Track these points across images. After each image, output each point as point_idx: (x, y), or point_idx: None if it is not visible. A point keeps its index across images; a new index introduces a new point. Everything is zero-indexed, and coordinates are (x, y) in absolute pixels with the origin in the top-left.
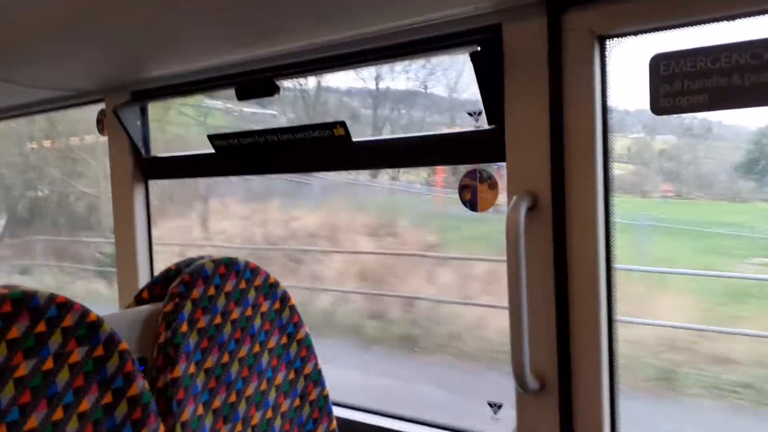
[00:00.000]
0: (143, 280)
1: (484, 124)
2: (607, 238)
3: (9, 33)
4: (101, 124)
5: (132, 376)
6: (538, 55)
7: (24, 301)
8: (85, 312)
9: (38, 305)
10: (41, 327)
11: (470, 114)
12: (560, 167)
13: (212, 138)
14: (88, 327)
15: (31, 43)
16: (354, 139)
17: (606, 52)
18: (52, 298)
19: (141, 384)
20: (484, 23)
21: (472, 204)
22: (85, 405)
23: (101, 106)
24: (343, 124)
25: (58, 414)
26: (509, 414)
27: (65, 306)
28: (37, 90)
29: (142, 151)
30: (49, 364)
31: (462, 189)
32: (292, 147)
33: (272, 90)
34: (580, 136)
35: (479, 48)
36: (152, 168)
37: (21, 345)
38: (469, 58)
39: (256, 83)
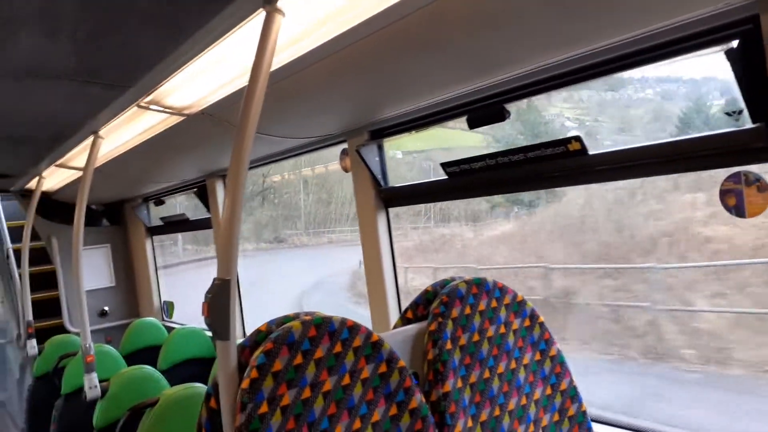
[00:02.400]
0: (391, 298)
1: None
2: None
3: (270, 96)
4: (343, 162)
5: (411, 390)
6: None
7: (324, 326)
8: (369, 333)
9: (334, 329)
10: (338, 348)
11: (728, 114)
12: None
13: (445, 165)
14: (372, 346)
15: (288, 104)
16: (591, 152)
17: None
18: (344, 322)
19: (419, 398)
20: (736, 17)
21: (738, 210)
22: (376, 416)
23: (342, 146)
24: (578, 138)
25: (357, 424)
26: None
27: (354, 328)
28: (293, 140)
29: (381, 182)
30: (346, 380)
31: (724, 194)
32: (524, 166)
33: (502, 115)
34: None
35: (736, 43)
36: (391, 197)
37: (325, 364)
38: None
39: (486, 110)
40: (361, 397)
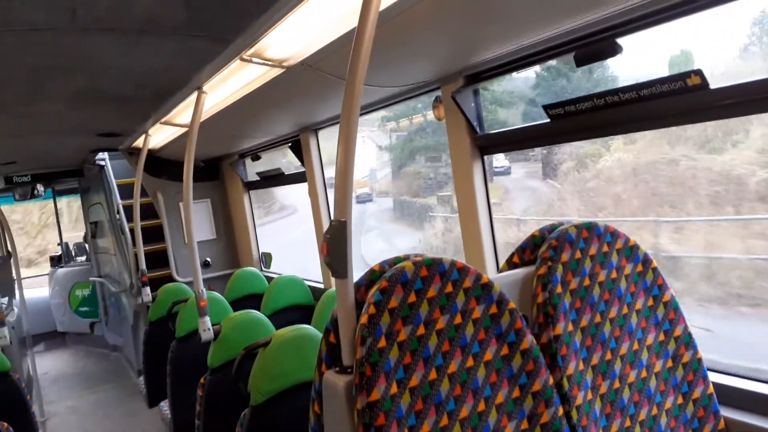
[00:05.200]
0: (487, 245)
1: None
2: None
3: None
4: (437, 109)
5: (522, 332)
6: None
7: (434, 267)
8: (479, 275)
9: (445, 270)
10: (449, 288)
11: None
12: None
13: (547, 107)
14: (482, 288)
15: (384, 50)
16: (712, 87)
17: None
18: (453, 263)
19: (530, 339)
20: None
21: None
22: (488, 355)
23: (435, 93)
24: (698, 72)
25: (470, 362)
26: None
27: (464, 270)
28: (386, 89)
29: (477, 129)
30: (458, 319)
31: None
32: (636, 105)
33: (614, 50)
34: None
35: None
36: (488, 144)
37: (437, 303)
38: None
39: (596, 46)
40: (473, 336)
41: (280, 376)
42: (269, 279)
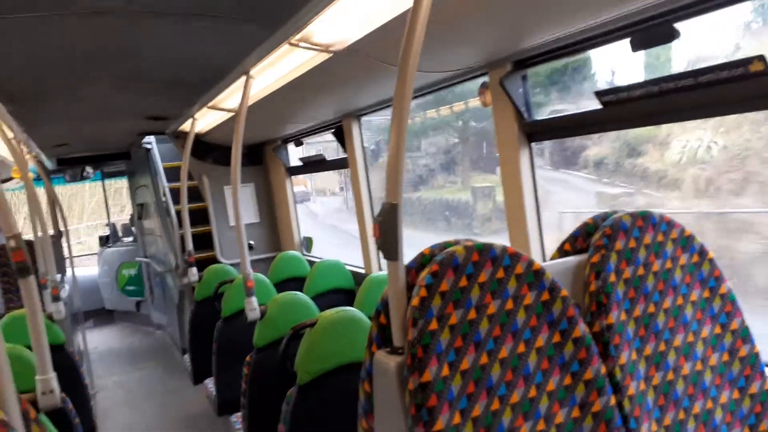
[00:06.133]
0: (533, 234)
1: None
2: None
3: None
4: (483, 96)
5: (575, 319)
6: None
7: (485, 252)
8: (530, 261)
9: (496, 255)
10: (500, 273)
11: None
12: None
13: (599, 94)
14: (534, 274)
15: (432, 34)
16: None
17: None
18: (504, 249)
19: (583, 327)
20: None
21: None
22: (540, 341)
23: (482, 79)
24: (762, 58)
25: (521, 347)
26: None
27: (515, 256)
28: (432, 74)
29: (525, 115)
30: (509, 305)
31: None
32: (693, 92)
33: (671, 36)
34: None
35: None
36: (536, 130)
37: (488, 288)
38: None
39: (653, 31)
40: (525, 322)
41: (326, 357)
42: (311, 263)
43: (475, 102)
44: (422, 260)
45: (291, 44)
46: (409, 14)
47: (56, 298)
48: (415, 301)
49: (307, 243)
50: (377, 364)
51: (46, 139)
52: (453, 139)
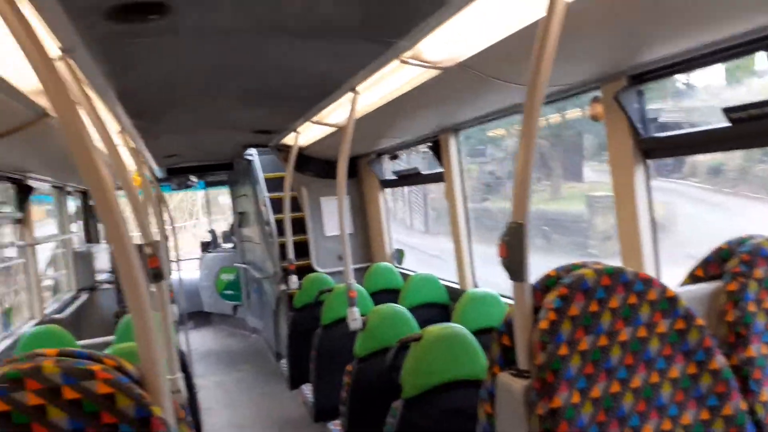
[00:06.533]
0: (648, 256)
1: None
2: None
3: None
4: (594, 109)
5: (711, 350)
6: None
7: (616, 276)
8: (664, 287)
9: (628, 280)
10: (632, 299)
11: None
12: None
13: (728, 111)
14: (668, 301)
15: None
16: None
17: None
18: (636, 273)
19: (721, 359)
20: None
21: None
22: (674, 372)
23: (592, 93)
24: None
25: (654, 377)
26: None
27: (648, 281)
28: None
29: (641, 131)
30: (642, 332)
31: None
32: None
33: None
34: None
35: None
36: (653, 147)
37: (620, 314)
38: None
39: None
40: (658, 351)
41: (431, 372)
42: (402, 275)
43: (572, 114)
44: (547, 282)
45: (402, 61)
46: (538, 31)
47: (171, 301)
48: (543, 324)
49: (399, 255)
50: (501, 386)
51: (160, 150)
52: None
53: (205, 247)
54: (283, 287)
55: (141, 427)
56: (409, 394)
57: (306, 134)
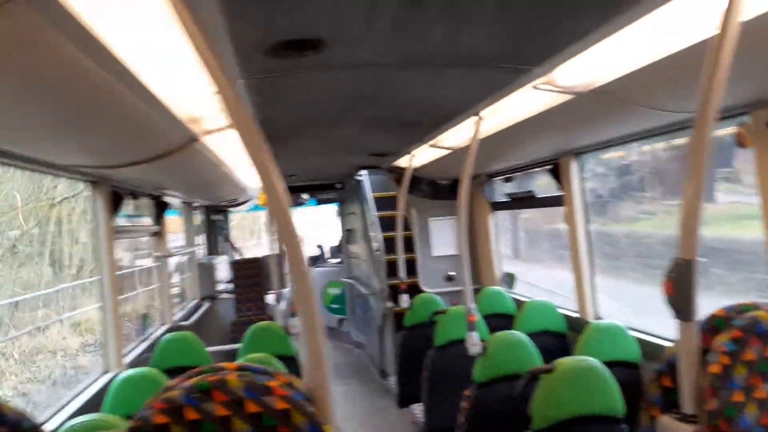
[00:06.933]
0: None
1: None
2: None
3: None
4: (741, 136)
5: None
6: None
7: (751, 327)
8: None
9: (764, 331)
10: None
11: None
12: None
13: None
14: None
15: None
16: None
17: None
18: None
19: None
20: None
21: None
22: None
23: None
24: None
25: None
26: None
27: None
28: (678, 114)
29: None
30: None
31: None
32: None
33: None
34: None
35: None
36: None
37: (757, 368)
38: None
39: None
40: None
41: (562, 405)
42: (515, 300)
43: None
44: (715, 322)
45: (534, 87)
46: (708, 52)
47: (293, 314)
48: (714, 368)
49: (510, 279)
50: (664, 429)
51: (282, 170)
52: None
53: (313, 261)
54: (389, 304)
55: None
56: (539, 426)
57: (419, 156)
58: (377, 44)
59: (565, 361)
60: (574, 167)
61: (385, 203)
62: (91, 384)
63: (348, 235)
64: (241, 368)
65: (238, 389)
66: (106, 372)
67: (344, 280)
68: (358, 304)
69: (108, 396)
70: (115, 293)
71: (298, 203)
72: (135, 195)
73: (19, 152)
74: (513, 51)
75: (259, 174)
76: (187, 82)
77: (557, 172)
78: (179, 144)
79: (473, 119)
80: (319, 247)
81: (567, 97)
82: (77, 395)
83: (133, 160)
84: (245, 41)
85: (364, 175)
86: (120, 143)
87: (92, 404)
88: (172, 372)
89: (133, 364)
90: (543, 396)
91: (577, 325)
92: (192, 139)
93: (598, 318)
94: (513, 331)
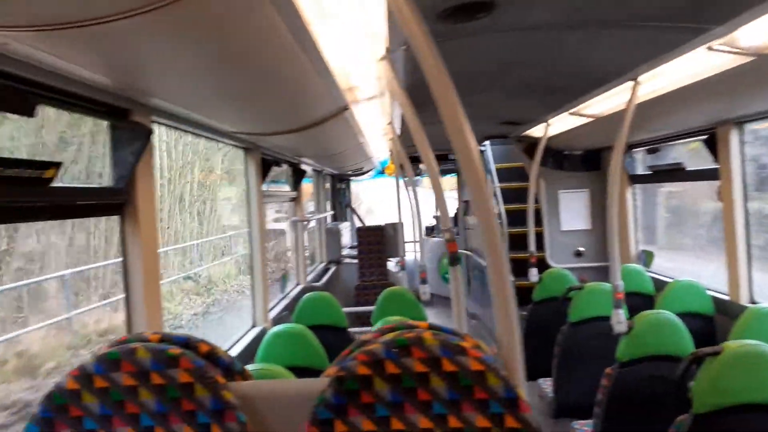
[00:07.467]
0: None
1: None
2: None
3: None
4: None
5: None
6: None
7: None
8: None
9: None
10: None
11: None
12: None
13: None
14: None
15: None
16: None
17: None
18: None
19: None
20: None
21: None
22: None
23: None
24: None
25: None
26: None
27: None
28: None
29: None
30: None
31: None
32: None
33: None
34: None
35: None
36: None
37: None
38: None
39: None
40: None
41: (728, 391)
42: (655, 280)
43: None
44: None
45: (710, 49)
46: None
47: (423, 281)
48: None
49: (647, 258)
50: None
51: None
52: None
53: (429, 231)
54: (511, 278)
55: (510, 407)
56: (700, 411)
57: (555, 125)
58: (547, 5)
59: (733, 345)
60: (734, 137)
61: (505, 174)
62: (242, 336)
63: (466, 206)
64: (431, 327)
65: (435, 347)
66: (254, 326)
67: (461, 251)
68: (474, 275)
69: (262, 348)
70: (263, 250)
71: (417, 173)
72: (278, 162)
73: (196, 118)
74: (690, 8)
75: (451, 135)
76: (355, 49)
77: (713, 143)
78: (332, 112)
79: (628, 84)
80: (436, 217)
81: (745, 59)
82: (231, 347)
83: (288, 128)
84: (422, 4)
85: (487, 146)
86: (279, 111)
87: (244, 355)
88: (313, 329)
89: (276, 320)
90: (708, 380)
91: (725, 309)
92: (344, 107)
93: (753, 302)
94: (662, 311)
